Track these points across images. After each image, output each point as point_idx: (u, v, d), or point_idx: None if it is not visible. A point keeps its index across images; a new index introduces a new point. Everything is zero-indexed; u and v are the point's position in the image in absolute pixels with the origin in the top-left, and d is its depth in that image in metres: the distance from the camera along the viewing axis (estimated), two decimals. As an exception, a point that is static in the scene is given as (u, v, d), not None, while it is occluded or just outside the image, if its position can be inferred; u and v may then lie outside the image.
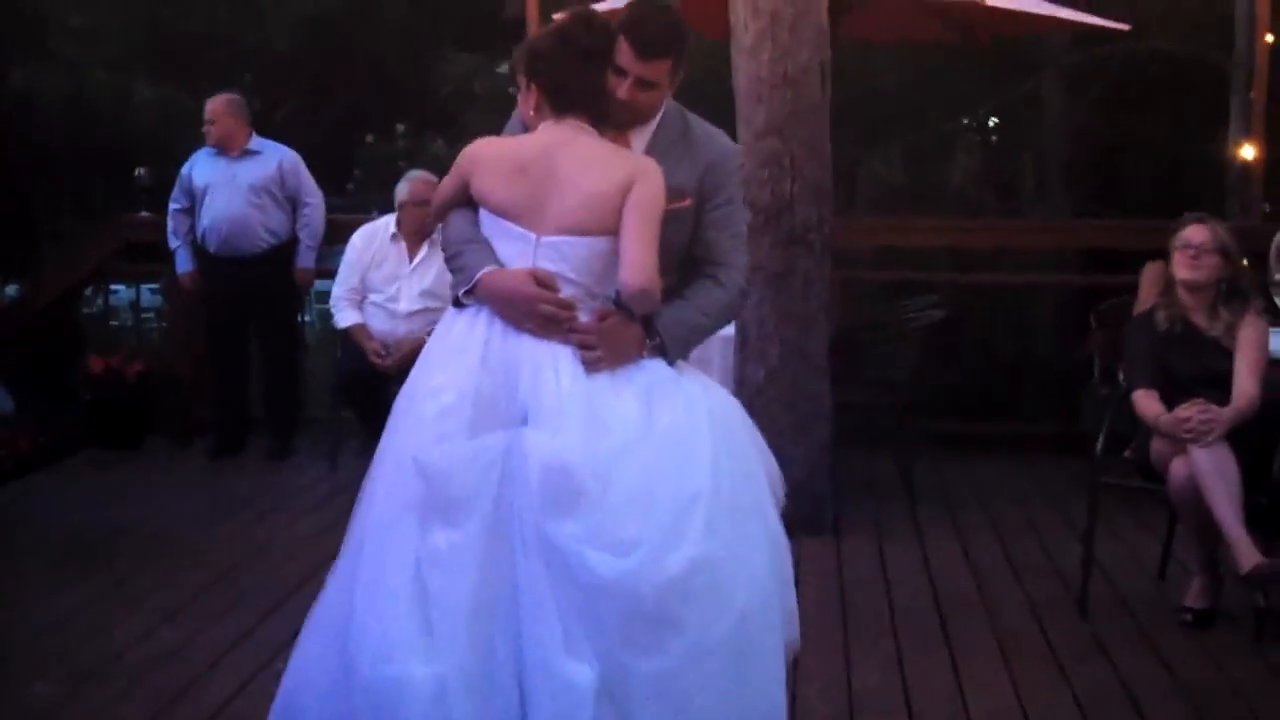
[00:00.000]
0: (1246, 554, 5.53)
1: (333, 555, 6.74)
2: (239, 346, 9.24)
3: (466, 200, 4.12)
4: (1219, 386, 5.89)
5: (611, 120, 4.08)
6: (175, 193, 9.14)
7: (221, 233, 8.94)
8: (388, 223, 8.53)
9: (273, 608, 6.14)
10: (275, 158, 9.06)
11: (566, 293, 3.92)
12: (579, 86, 4.01)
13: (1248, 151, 9.89)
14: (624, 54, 4.00)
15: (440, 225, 4.31)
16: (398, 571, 3.84)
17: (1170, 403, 5.86)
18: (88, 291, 11.05)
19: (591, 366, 3.87)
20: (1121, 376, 6.35)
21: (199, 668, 5.47)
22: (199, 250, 9.08)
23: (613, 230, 3.88)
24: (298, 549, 7.04)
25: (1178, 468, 5.74)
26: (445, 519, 3.79)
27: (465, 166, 4.11)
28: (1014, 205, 13.93)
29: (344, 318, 8.48)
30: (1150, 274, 7.83)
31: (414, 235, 8.44)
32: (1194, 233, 6.13)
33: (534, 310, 3.89)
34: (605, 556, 3.64)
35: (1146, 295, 7.66)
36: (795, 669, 4.94)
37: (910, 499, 7.97)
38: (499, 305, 3.96)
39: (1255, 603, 5.78)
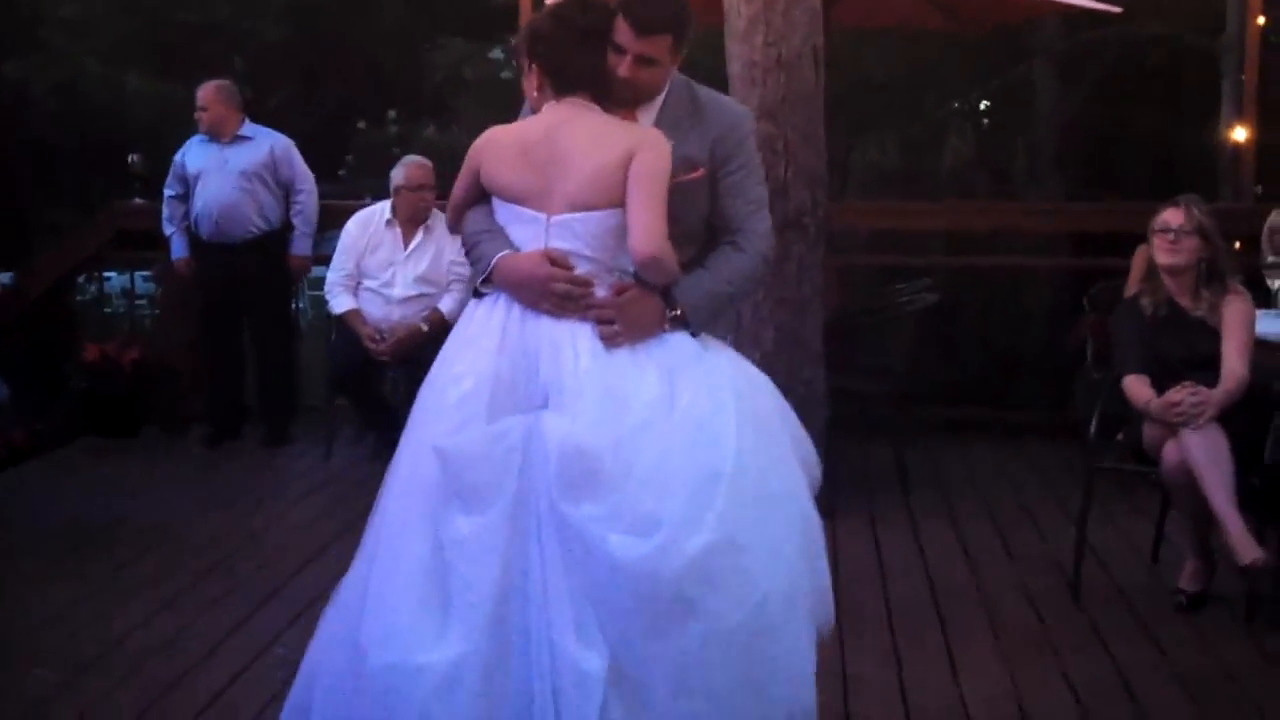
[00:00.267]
0: (1244, 545, 5.52)
1: (328, 543, 6.84)
2: (232, 334, 9.25)
3: (481, 195, 4.14)
4: (1208, 368, 5.88)
5: (615, 98, 4.09)
6: (169, 179, 9.15)
7: (213, 218, 8.95)
8: (383, 208, 8.53)
9: (269, 595, 6.16)
10: (267, 143, 9.06)
11: (581, 270, 3.92)
12: (579, 66, 4.03)
13: (1239, 134, 9.90)
14: (622, 31, 4.01)
15: (453, 223, 4.33)
16: (411, 560, 3.84)
17: (1160, 387, 5.86)
18: (80, 279, 11.05)
19: (611, 341, 3.87)
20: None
21: (196, 656, 5.48)
22: (193, 237, 9.08)
23: (620, 203, 3.88)
24: (294, 537, 7.07)
25: (1170, 451, 5.75)
26: (467, 506, 3.79)
27: (474, 159, 4.13)
28: (1007, 190, 13.91)
29: (339, 303, 8.46)
30: (1141, 257, 7.83)
31: (409, 221, 8.44)
32: (1171, 216, 6.14)
33: (549, 290, 3.89)
34: (626, 539, 3.63)
35: (1137, 279, 7.68)
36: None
37: (904, 485, 7.97)
38: (515, 289, 3.96)
39: (1248, 588, 5.80)
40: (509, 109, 4.27)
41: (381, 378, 8.65)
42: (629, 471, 3.69)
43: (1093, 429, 6.18)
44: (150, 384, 9.44)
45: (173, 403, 9.48)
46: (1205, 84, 12.14)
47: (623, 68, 4.02)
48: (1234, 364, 5.89)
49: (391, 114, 19.70)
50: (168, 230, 9.16)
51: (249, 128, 9.10)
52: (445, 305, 8.28)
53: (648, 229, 3.84)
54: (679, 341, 3.94)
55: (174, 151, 9.23)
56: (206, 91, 9.03)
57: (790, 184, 7.05)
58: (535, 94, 4.13)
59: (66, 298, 10.29)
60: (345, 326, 8.46)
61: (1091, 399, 6.38)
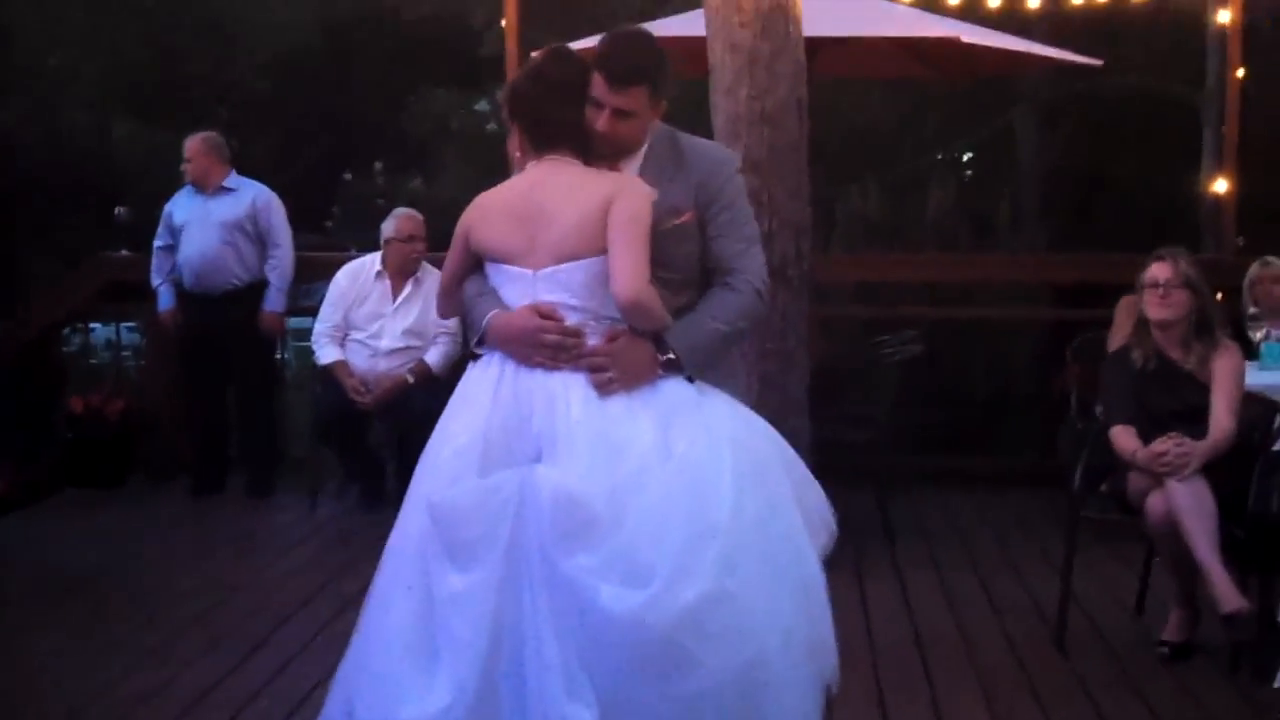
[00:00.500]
0: (1227, 595, 5.54)
1: (314, 593, 6.84)
2: (216, 385, 9.22)
3: (473, 265, 4.17)
4: (1195, 421, 5.92)
5: (596, 152, 4.11)
6: (159, 230, 9.17)
7: (195, 270, 8.96)
8: (373, 260, 8.53)
9: (256, 646, 6.15)
10: (249, 195, 9.05)
11: (571, 320, 3.94)
12: (557, 121, 4.06)
13: (1220, 185, 9.96)
14: (598, 85, 4.03)
15: (442, 308, 4.38)
16: (402, 616, 3.87)
17: (1147, 438, 5.89)
18: (66, 330, 11.05)
19: (605, 389, 3.88)
20: (1099, 410, 6.38)
21: (182, 707, 5.46)
22: (178, 287, 9.09)
23: (603, 250, 3.90)
24: (279, 587, 7.06)
25: (1155, 502, 5.77)
26: (459, 561, 3.79)
27: (462, 227, 4.17)
28: (990, 240, 13.99)
29: (325, 354, 8.46)
30: (1125, 307, 7.88)
31: (399, 273, 8.45)
32: (1159, 270, 6.16)
33: (539, 342, 3.92)
34: (618, 590, 3.62)
35: (1121, 329, 7.71)
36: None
37: (889, 534, 7.98)
38: (508, 346, 4.00)
39: (1232, 638, 5.81)
40: (495, 161, 4.32)
41: (366, 429, 8.66)
42: (623, 520, 3.68)
43: (1077, 479, 6.21)
44: (136, 435, 9.44)
45: (158, 453, 9.47)
46: (1186, 135, 12.22)
47: (600, 121, 4.04)
48: (1222, 418, 5.92)
49: (378, 165, 19.76)
50: (155, 281, 9.16)
51: (234, 179, 9.09)
52: (431, 357, 8.30)
53: (628, 273, 3.86)
54: (674, 388, 3.95)
55: (159, 201, 9.25)
56: (193, 143, 9.06)
57: (775, 235, 7.07)
58: (518, 154, 4.17)
59: (53, 348, 10.29)
60: (330, 377, 8.45)
61: (1076, 449, 6.40)
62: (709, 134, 7.16)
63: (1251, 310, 7.71)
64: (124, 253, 9.81)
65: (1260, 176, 10.85)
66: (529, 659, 3.69)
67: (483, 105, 19.19)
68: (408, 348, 8.32)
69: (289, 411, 10.23)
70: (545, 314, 3.94)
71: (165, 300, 9.16)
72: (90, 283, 9.90)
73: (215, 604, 6.81)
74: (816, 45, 7.72)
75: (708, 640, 3.62)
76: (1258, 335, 7.39)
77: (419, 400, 7.66)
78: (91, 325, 10.98)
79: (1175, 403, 6.02)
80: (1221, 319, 6.40)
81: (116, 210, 9.57)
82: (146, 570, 7.40)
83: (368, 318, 8.44)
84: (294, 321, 11.15)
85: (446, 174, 17.60)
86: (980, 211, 14.52)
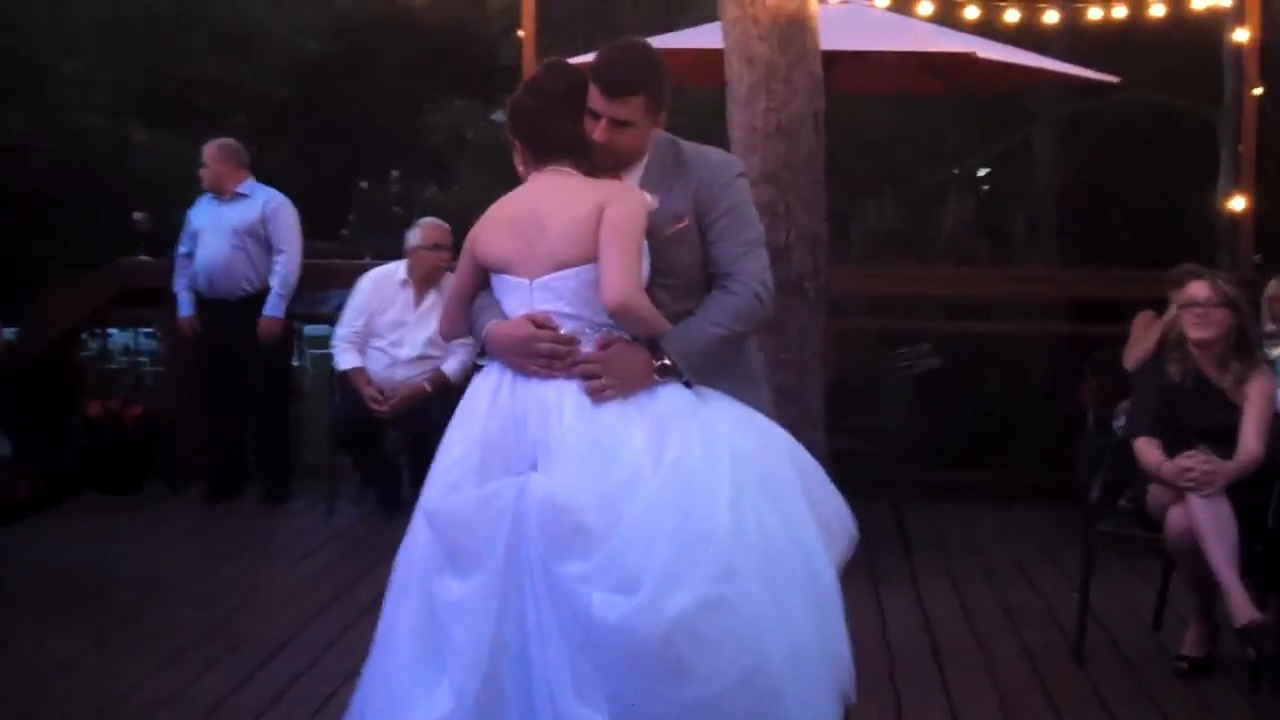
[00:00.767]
0: (1242, 607, 5.55)
1: (330, 600, 6.85)
2: (231, 390, 9.21)
3: (481, 279, 4.19)
4: (1222, 440, 5.92)
5: (597, 163, 4.14)
6: (182, 236, 9.20)
7: (208, 275, 8.99)
8: (398, 268, 8.52)
9: (272, 653, 6.15)
10: (260, 201, 9.06)
11: (566, 328, 3.96)
12: (555, 133, 4.10)
13: (1237, 203, 9.95)
14: (594, 96, 4.05)
15: (445, 329, 4.41)
16: (407, 623, 3.92)
17: (1171, 452, 5.89)
18: (84, 335, 11.09)
19: (599, 397, 3.88)
20: (1119, 421, 6.38)
21: (198, 714, 5.47)
22: (197, 294, 9.12)
23: (595, 257, 3.91)
24: (295, 594, 7.06)
25: (1176, 517, 5.77)
26: (458, 568, 3.83)
27: (470, 240, 4.21)
28: (1006, 255, 13.99)
29: (344, 360, 8.45)
30: (1141, 322, 7.90)
31: (423, 281, 8.43)
32: (1198, 289, 6.15)
33: (533, 350, 3.94)
34: (609, 597, 3.63)
35: (1137, 344, 7.73)
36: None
37: (905, 548, 7.98)
38: (505, 356, 4.02)
39: (1249, 654, 5.82)
40: (510, 170, 4.33)
41: (383, 436, 8.67)
42: (615, 526, 3.70)
43: (1095, 492, 6.21)
44: (153, 440, 9.46)
45: (175, 458, 9.49)
46: (1203, 152, 12.22)
47: (597, 132, 4.06)
48: (1251, 441, 5.92)
49: (393, 174, 19.79)
50: (176, 288, 9.20)
51: (249, 186, 9.11)
52: (449, 366, 8.31)
53: (615, 278, 3.87)
54: (671, 394, 3.95)
55: (176, 207, 9.28)
56: (209, 149, 9.09)
57: (792, 248, 7.08)
58: (522, 168, 4.21)
59: (70, 353, 10.32)
60: (348, 384, 8.46)
61: (1093, 463, 6.40)
62: (725, 146, 7.18)
63: (1269, 328, 7.72)
64: (142, 258, 9.82)
65: (1277, 194, 10.84)
66: (535, 663, 3.72)
67: (499, 115, 19.19)
68: (427, 357, 8.30)
69: (306, 418, 10.24)
70: (540, 323, 3.96)
71: (185, 307, 9.18)
72: (108, 288, 9.92)
73: (232, 610, 6.82)
74: (834, 59, 7.73)
75: (704, 647, 3.62)
76: (1275, 352, 7.39)
77: (435, 409, 7.65)
78: (109, 330, 10.99)
79: (1205, 421, 6.02)
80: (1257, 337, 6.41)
81: (135, 216, 9.59)
82: (164, 576, 7.40)
83: (390, 325, 8.43)
84: (309, 329, 11.19)
85: (462, 183, 17.61)
86: (997, 226, 14.52)
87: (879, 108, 14.05)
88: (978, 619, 6.84)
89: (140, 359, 11.15)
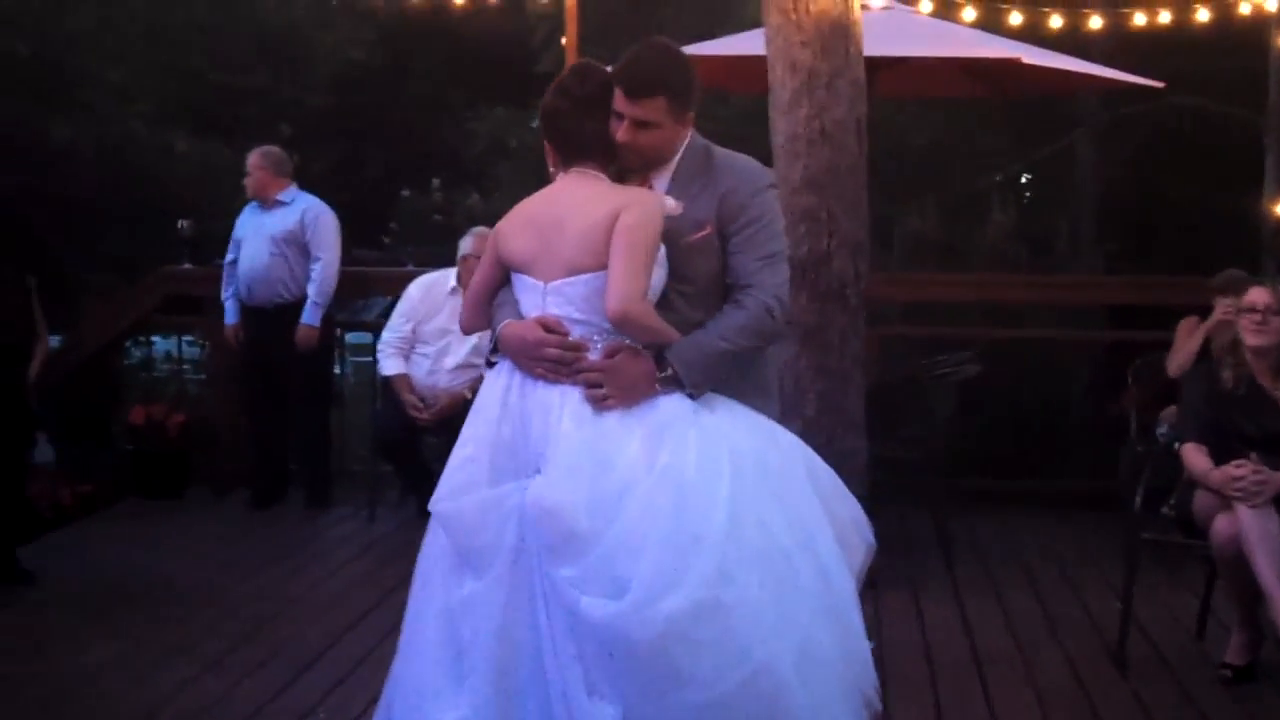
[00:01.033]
0: None
1: (371, 606, 6.87)
2: (272, 397, 9.23)
3: (503, 276, 4.22)
4: (1273, 448, 5.87)
5: (624, 164, 4.16)
6: (230, 245, 9.25)
7: (247, 283, 9.05)
8: (447, 275, 8.47)
9: (313, 659, 6.17)
10: (300, 208, 9.08)
11: (576, 333, 3.98)
12: (581, 135, 4.12)
13: (1281, 208, 9.90)
14: (618, 97, 4.07)
15: (464, 321, 4.42)
16: (429, 621, 3.98)
17: (1218, 458, 5.85)
18: (127, 343, 11.14)
19: (600, 405, 3.90)
20: (1162, 429, 6.33)
21: (240, 718, 5.50)
22: (240, 301, 9.16)
23: (606, 264, 3.93)
24: (337, 601, 7.08)
25: (1222, 524, 5.73)
26: (471, 568, 3.89)
27: (492, 238, 4.24)
28: (1048, 261, 13.92)
29: (388, 365, 8.44)
30: (1185, 328, 7.85)
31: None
32: (1258, 295, 6.11)
33: (540, 355, 3.97)
34: (598, 601, 3.67)
35: (1182, 351, 7.68)
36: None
37: (947, 555, 7.95)
38: (515, 356, 4.06)
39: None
40: (550, 177, 4.34)
41: (424, 443, 8.68)
42: (606, 532, 3.73)
43: (1138, 500, 6.17)
44: (195, 447, 9.50)
45: (217, 466, 9.53)
46: (1248, 158, 12.14)
47: (620, 133, 4.08)
48: None
49: (435, 182, 19.84)
50: (224, 296, 9.26)
51: (290, 193, 9.14)
52: (492, 376, 8.29)
53: (618, 287, 3.88)
54: (671, 403, 3.95)
55: (219, 216, 9.33)
56: (253, 157, 9.14)
57: (833, 254, 7.07)
58: (553, 169, 4.24)
59: (113, 361, 10.37)
60: (390, 392, 8.47)
61: (1136, 470, 6.36)
62: (767, 153, 7.17)
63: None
64: (185, 266, 9.85)
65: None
66: (548, 661, 3.75)
67: (537, 123, 19.28)
68: (472, 365, 8.25)
69: (347, 425, 10.26)
70: (550, 327, 3.99)
71: (231, 315, 9.23)
72: (152, 296, 9.96)
73: (273, 616, 6.84)
74: (876, 65, 7.71)
75: (699, 650, 3.65)
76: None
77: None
78: (152, 338, 11.04)
79: (1255, 429, 5.97)
80: None
81: (180, 223, 9.61)
82: (205, 581, 7.43)
83: (436, 333, 8.40)
84: (351, 336, 11.21)
85: (503, 191, 17.64)
86: (1039, 233, 14.45)
87: (920, 113, 14.02)
88: (1019, 627, 6.81)
89: (183, 366, 11.19)
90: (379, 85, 18.49)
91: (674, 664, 3.64)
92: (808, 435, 7.03)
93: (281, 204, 9.07)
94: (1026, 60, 8.39)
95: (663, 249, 4.01)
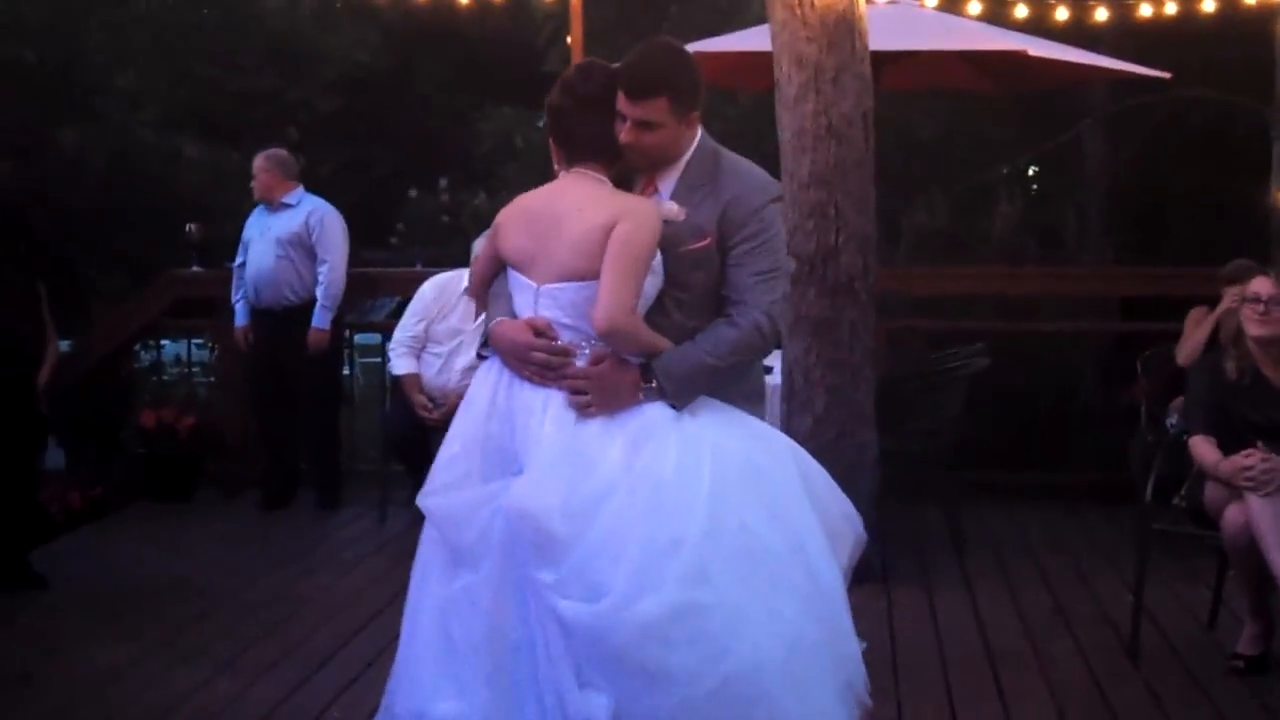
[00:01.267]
0: None
1: (383, 606, 6.88)
2: (281, 399, 9.25)
3: (501, 264, 4.23)
4: (1278, 439, 5.86)
5: (630, 165, 4.15)
6: (239, 248, 9.27)
7: (255, 285, 9.07)
8: (461, 276, 8.38)
9: (325, 660, 6.19)
10: (305, 211, 9.09)
11: (565, 338, 3.99)
12: (584, 134, 4.11)
13: (1290, 199, 9.88)
14: (620, 98, 4.05)
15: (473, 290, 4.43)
16: (426, 614, 4.02)
17: (1226, 449, 5.84)
18: (136, 347, 11.16)
19: (583, 412, 3.91)
20: (1172, 420, 6.33)
21: (253, 719, 5.50)
22: (250, 305, 9.18)
23: (599, 274, 3.93)
24: (349, 601, 7.09)
25: (1233, 514, 5.72)
26: (459, 564, 3.93)
27: (492, 230, 4.25)
28: (1056, 253, 13.91)
29: (400, 365, 8.40)
30: (1194, 318, 7.84)
31: (482, 291, 8.39)
32: (1262, 286, 6.09)
33: (527, 358, 3.98)
34: (576, 605, 3.70)
35: (1191, 341, 7.67)
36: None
37: (958, 548, 7.96)
38: (504, 355, 4.07)
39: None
40: (555, 176, 4.34)
41: (435, 443, 8.66)
42: (582, 537, 3.75)
43: (1149, 491, 6.16)
44: (206, 449, 9.51)
45: (228, 468, 9.54)
46: (1255, 149, 12.11)
47: (623, 134, 4.06)
48: None
49: (442, 182, 19.84)
50: (234, 299, 9.29)
51: (296, 195, 9.15)
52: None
53: (608, 301, 3.89)
54: (653, 411, 3.96)
55: (227, 219, 9.34)
56: (258, 160, 9.16)
57: (842, 249, 7.07)
58: (558, 167, 4.24)
59: (123, 365, 10.38)
60: (400, 392, 8.47)
61: (1147, 462, 6.35)
62: (774, 149, 7.17)
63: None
64: (194, 269, 9.87)
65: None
66: (540, 654, 3.78)
67: (545, 123, 19.28)
68: (482, 367, 8.26)
69: (357, 426, 10.28)
70: (539, 331, 4.00)
71: (241, 318, 9.25)
72: (161, 300, 9.97)
73: (285, 617, 6.86)
74: (882, 59, 7.71)
75: (676, 651, 3.67)
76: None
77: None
78: (162, 341, 11.06)
79: (1261, 419, 5.95)
80: None
81: (188, 227, 9.60)
82: (217, 583, 7.44)
83: (448, 333, 8.36)
84: (360, 338, 11.21)
85: (510, 190, 17.62)
86: (1047, 225, 14.43)
87: (927, 107, 13.98)
88: (1031, 620, 6.81)
89: (192, 369, 11.21)
90: (385, 87, 18.46)
91: (652, 664, 3.67)
92: (818, 429, 7.12)
93: (288, 206, 9.08)
94: (1033, 52, 8.37)
95: (659, 257, 4.01)
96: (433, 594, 4.02)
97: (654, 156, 4.14)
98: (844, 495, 4.19)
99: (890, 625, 6.69)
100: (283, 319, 9.02)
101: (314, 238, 9.00)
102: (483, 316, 8.15)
